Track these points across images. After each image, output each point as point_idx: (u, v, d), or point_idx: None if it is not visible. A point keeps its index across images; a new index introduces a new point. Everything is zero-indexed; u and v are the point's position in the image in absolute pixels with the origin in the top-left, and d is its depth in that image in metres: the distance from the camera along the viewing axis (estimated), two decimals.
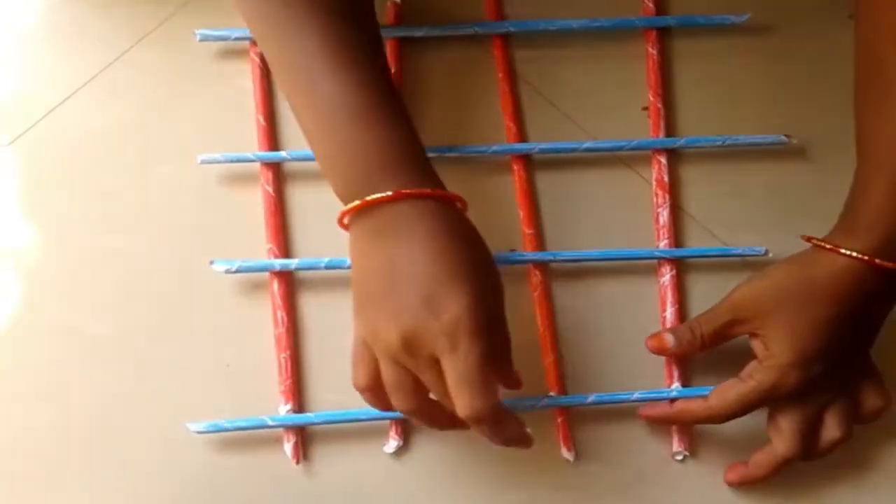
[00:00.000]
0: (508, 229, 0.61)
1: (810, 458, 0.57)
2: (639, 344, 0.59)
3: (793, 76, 0.64)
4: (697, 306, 0.61)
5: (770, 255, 0.60)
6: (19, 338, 0.59)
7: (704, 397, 0.56)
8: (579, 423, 0.59)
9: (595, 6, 0.63)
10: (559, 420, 0.59)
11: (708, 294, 0.60)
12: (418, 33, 0.62)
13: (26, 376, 0.58)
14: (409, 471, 0.59)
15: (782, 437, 0.55)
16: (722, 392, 0.55)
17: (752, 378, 0.54)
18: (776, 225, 0.62)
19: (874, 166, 0.52)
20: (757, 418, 0.57)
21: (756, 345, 0.55)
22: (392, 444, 0.58)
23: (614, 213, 0.62)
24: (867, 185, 0.52)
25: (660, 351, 0.58)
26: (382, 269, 0.47)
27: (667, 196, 0.62)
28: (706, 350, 0.57)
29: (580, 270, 0.61)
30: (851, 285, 0.52)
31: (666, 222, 0.61)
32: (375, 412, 0.56)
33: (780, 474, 0.57)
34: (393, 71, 0.61)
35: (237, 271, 0.58)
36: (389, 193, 0.47)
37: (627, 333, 0.60)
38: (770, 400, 0.54)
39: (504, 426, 0.49)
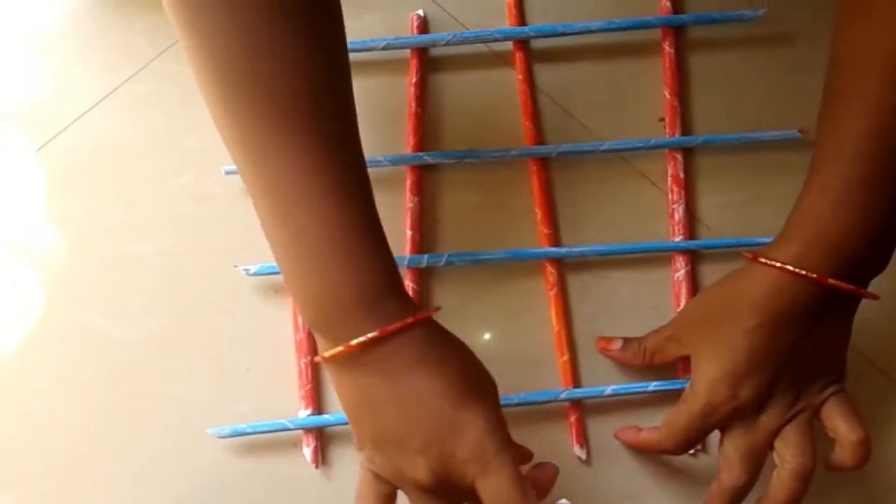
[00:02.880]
0: (525, 230, 0.62)
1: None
2: None
3: (812, 69, 0.63)
4: None
5: None
6: (43, 341, 0.60)
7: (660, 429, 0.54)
8: (592, 424, 0.59)
9: (612, 12, 0.64)
10: (573, 419, 0.59)
11: None
12: (441, 41, 0.63)
13: (49, 379, 0.60)
14: None
15: (726, 464, 0.51)
16: (669, 423, 0.52)
17: (685, 402, 0.52)
18: None
19: (811, 174, 0.49)
20: None
21: (692, 367, 0.53)
22: None
23: (629, 220, 0.62)
24: (801, 193, 0.50)
25: (604, 351, 0.58)
26: (392, 408, 0.46)
27: (682, 192, 0.62)
28: (651, 366, 0.57)
29: (596, 270, 0.61)
30: (770, 295, 0.49)
31: (681, 218, 0.61)
32: None
33: None
34: (415, 81, 0.63)
35: (257, 273, 0.59)
36: (374, 335, 0.45)
37: (643, 330, 0.59)
38: (712, 423, 0.51)
39: None
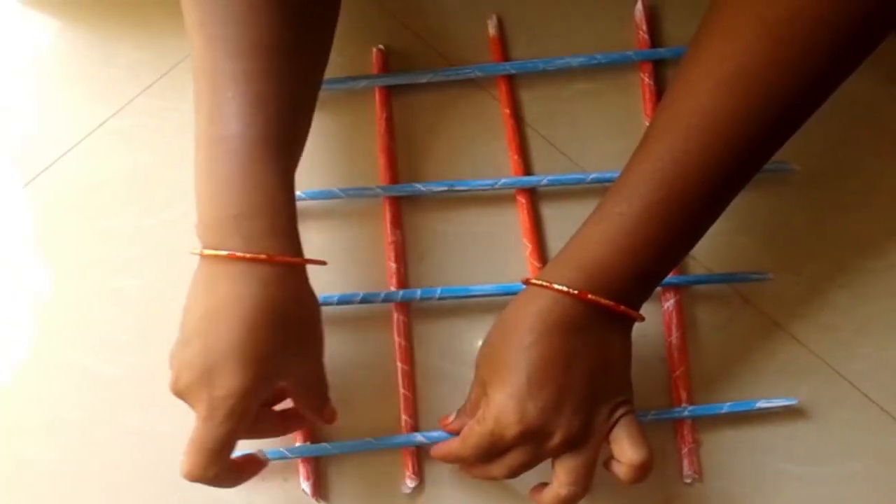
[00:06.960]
0: (513, 263, 0.62)
1: None
2: (645, 370, 0.60)
3: None
4: (702, 331, 0.62)
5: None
6: (31, 377, 0.60)
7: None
8: None
9: (594, 45, 0.65)
10: None
11: (711, 320, 0.61)
12: (422, 79, 0.64)
13: (38, 414, 0.59)
14: None
15: (495, 474, 0.53)
16: (464, 437, 0.53)
17: (478, 424, 0.51)
18: (778, 261, 0.63)
19: (600, 202, 0.51)
20: (762, 440, 0.59)
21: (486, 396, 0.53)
22: (409, 483, 0.59)
23: None
24: (586, 219, 0.52)
25: (445, 428, 0.56)
26: (197, 315, 0.48)
27: None
28: None
29: None
30: (542, 313, 0.50)
31: None
32: (387, 442, 0.58)
33: None
34: (384, 116, 0.64)
35: None
36: (224, 254, 0.47)
37: (634, 362, 0.58)
38: (502, 446, 0.51)
39: (227, 482, 0.51)
